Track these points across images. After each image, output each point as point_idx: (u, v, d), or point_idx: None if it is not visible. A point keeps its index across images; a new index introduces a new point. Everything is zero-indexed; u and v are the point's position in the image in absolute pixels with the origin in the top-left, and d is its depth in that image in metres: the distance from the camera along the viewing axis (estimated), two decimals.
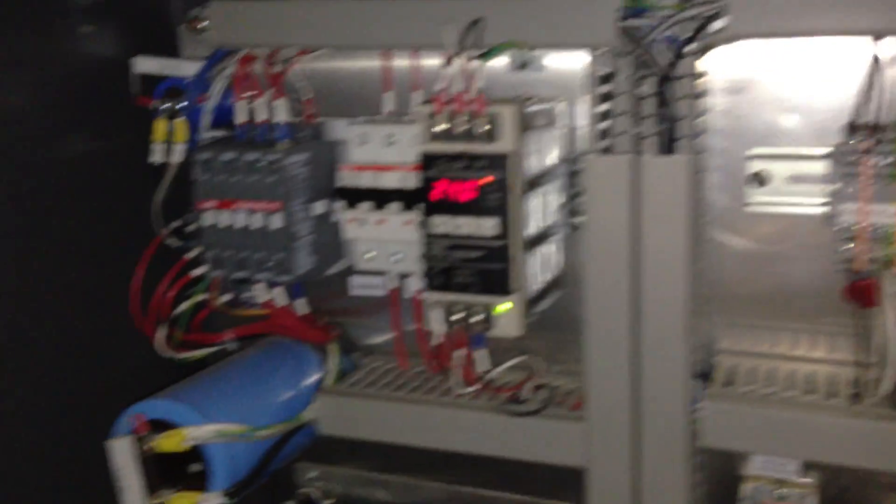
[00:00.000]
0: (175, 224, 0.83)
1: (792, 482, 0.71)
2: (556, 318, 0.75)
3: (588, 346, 0.66)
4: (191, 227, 0.84)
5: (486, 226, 0.62)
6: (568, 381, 0.75)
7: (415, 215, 0.70)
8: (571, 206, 0.72)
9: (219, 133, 0.76)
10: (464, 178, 0.62)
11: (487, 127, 0.60)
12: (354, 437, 0.76)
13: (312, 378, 0.80)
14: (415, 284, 0.76)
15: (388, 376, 0.79)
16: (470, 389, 0.71)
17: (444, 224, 0.63)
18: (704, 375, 0.69)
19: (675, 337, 0.63)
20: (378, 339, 0.85)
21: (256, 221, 0.68)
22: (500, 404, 0.70)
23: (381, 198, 0.71)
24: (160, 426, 0.70)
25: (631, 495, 0.68)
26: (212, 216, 0.69)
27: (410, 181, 0.69)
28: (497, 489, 0.83)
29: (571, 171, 0.70)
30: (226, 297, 0.84)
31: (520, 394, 0.71)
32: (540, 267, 0.69)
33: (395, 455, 0.86)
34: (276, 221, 0.67)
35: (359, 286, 0.84)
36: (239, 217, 0.68)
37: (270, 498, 0.90)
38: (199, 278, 0.84)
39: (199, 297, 0.83)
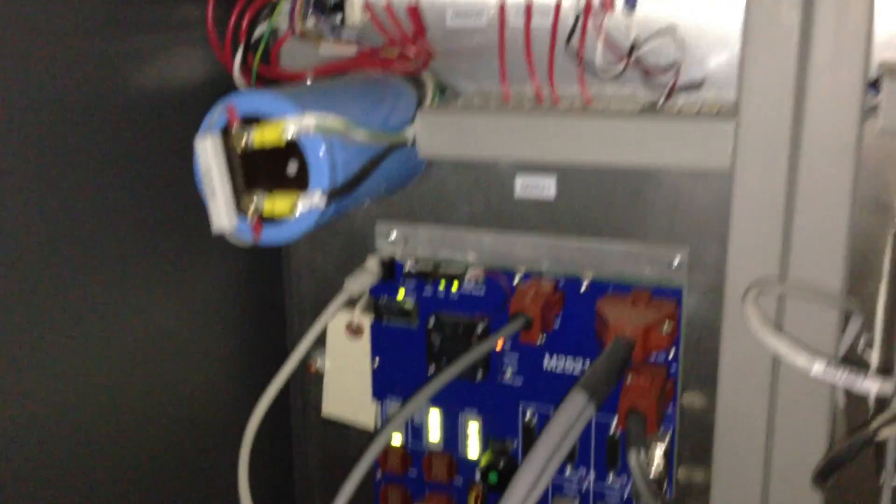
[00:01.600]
0: None
1: None
2: None
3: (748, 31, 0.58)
4: None
5: None
6: None
7: None
8: None
9: None
10: None
11: None
12: (462, 157, 0.69)
13: (410, 103, 0.72)
14: None
15: (491, 104, 0.71)
16: (616, 66, 0.63)
17: None
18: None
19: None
20: (472, 86, 0.77)
21: None
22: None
23: None
24: (251, 125, 0.63)
25: (784, 202, 0.61)
26: None
27: None
28: (603, 237, 0.76)
29: None
30: (310, 23, 0.76)
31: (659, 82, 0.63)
32: None
33: (485, 213, 0.79)
34: None
35: (456, 15, 0.76)
36: None
37: (352, 255, 0.83)
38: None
39: (278, 20, 0.75)
